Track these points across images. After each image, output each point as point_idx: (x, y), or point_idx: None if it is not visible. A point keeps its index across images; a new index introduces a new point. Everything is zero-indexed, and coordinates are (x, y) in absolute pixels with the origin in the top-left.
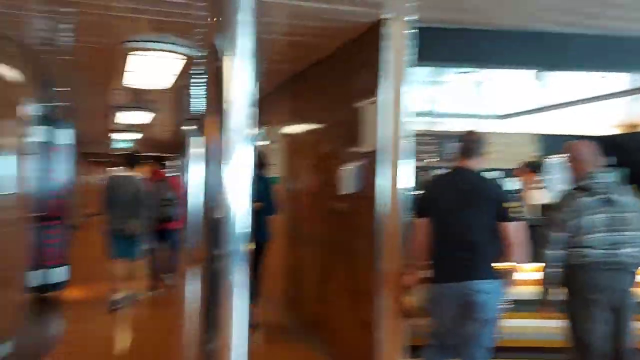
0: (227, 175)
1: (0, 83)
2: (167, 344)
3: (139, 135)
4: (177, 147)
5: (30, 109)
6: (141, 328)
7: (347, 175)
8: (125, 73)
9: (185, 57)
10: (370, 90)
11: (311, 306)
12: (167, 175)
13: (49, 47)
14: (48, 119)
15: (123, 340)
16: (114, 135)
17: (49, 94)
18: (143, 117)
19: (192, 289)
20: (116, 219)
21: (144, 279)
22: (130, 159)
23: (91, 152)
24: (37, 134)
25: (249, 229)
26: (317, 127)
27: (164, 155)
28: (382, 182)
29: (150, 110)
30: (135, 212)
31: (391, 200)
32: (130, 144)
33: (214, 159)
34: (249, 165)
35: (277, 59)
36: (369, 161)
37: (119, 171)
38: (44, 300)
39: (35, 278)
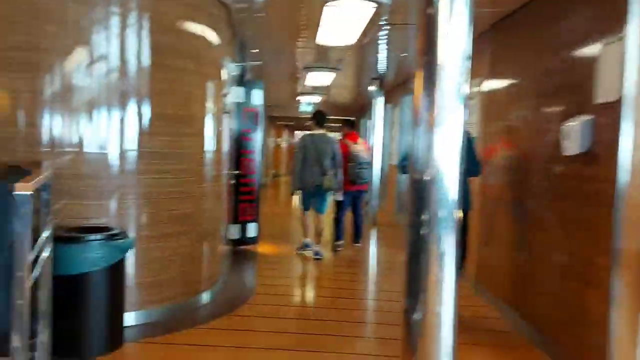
0: (437, 137)
1: (204, 43)
2: (354, 302)
3: (321, 98)
4: (359, 110)
5: (229, 69)
6: (327, 285)
7: (573, 132)
8: (316, 29)
9: (377, 4)
10: (607, 28)
11: (520, 289)
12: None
13: (244, 4)
14: (242, 80)
15: (311, 290)
16: (300, 98)
17: (243, 55)
18: (328, 77)
19: (375, 250)
20: (310, 175)
21: (330, 235)
22: (320, 117)
23: (278, 116)
24: (234, 95)
25: (459, 195)
26: (525, 79)
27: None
28: (625, 140)
29: (336, 69)
30: (328, 168)
31: (636, 164)
32: (313, 107)
33: (422, 119)
34: (461, 125)
35: (481, 2)
36: (608, 115)
37: (314, 129)
38: (240, 252)
39: (232, 232)
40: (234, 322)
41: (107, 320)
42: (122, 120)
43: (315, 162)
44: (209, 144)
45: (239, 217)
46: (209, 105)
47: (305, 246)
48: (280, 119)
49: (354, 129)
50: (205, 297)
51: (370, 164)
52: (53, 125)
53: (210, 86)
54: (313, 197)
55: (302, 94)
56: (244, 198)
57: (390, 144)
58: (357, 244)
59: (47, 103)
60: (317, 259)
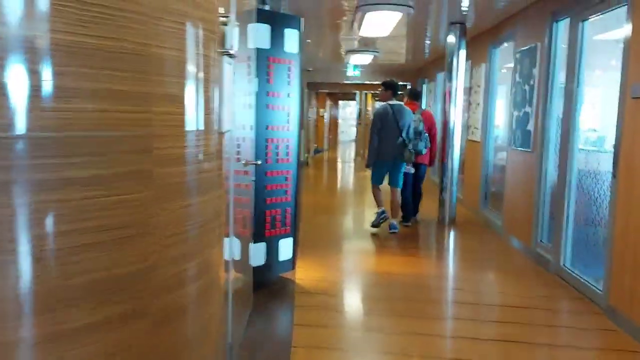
0: None
1: None
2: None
3: (372, 58)
4: (418, 73)
5: None
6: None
7: None
8: None
9: None
10: None
11: None
12: (420, 107)
13: None
14: (267, 13)
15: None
16: (347, 57)
17: None
18: (391, 19)
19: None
20: (391, 147)
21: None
22: (395, 86)
23: (320, 82)
24: (252, 35)
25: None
26: None
27: (406, 83)
28: None
29: (405, 5)
30: (410, 140)
31: None
32: (361, 71)
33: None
34: None
35: None
36: None
37: (391, 100)
38: (266, 288)
39: (254, 255)
40: None
41: None
42: None
43: (395, 134)
44: (190, 119)
45: (264, 232)
46: (188, 39)
47: (380, 215)
48: (321, 85)
49: (417, 98)
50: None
51: (426, 134)
52: None
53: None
54: (389, 170)
55: (350, 51)
56: (272, 201)
57: (468, 114)
58: (406, 224)
59: None
60: (393, 232)
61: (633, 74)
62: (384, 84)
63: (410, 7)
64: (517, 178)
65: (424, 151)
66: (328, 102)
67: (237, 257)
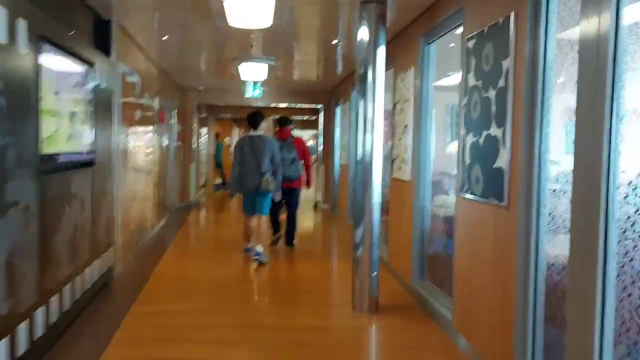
0: None
1: None
2: None
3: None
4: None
5: None
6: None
7: None
8: None
9: None
10: None
11: None
12: (291, 134)
13: None
14: None
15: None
16: (240, 67)
17: None
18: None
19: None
20: (250, 178)
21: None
22: (254, 118)
23: (218, 105)
24: None
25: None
26: None
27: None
28: None
29: None
30: (267, 170)
31: None
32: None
33: None
34: None
35: None
36: None
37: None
38: None
39: None
40: None
41: None
42: None
43: (253, 164)
44: None
45: None
46: None
47: (246, 250)
48: (221, 109)
49: (286, 124)
50: None
51: (297, 160)
52: None
53: None
54: (254, 200)
55: (237, 60)
56: None
57: (393, 142)
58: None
59: None
60: (257, 259)
61: None
62: (247, 118)
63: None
64: (477, 244)
65: (295, 177)
66: (237, 130)
67: None
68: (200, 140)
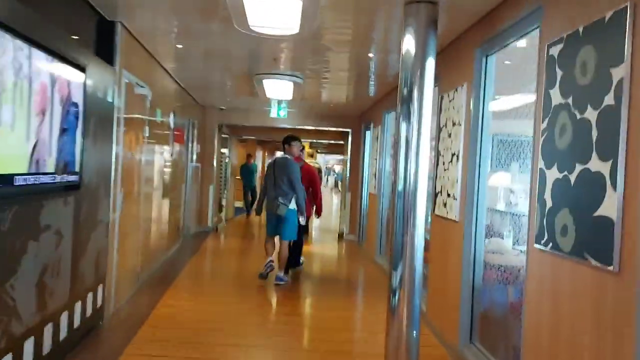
0: None
1: None
2: None
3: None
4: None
5: None
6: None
7: None
8: None
9: None
10: None
11: None
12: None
13: None
14: None
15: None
16: (261, 88)
17: None
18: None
19: None
20: (270, 199)
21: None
22: (284, 140)
23: (242, 125)
24: None
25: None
26: None
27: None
28: None
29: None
30: (283, 193)
31: None
32: (286, 113)
33: None
34: None
35: None
36: None
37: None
38: None
39: None
40: None
41: None
42: None
43: (273, 187)
44: None
45: None
46: None
47: (267, 266)
48: (244, 130)
49: (289, 143)
50: None
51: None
52: None
53: None
54: (276, 222)
55: (261, 75)
56: None
57: (436, 172)
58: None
59: None
60: (278, 284)
61: None
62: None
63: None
64: (562, 315)
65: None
66: (261, 152)
67: None
68: (224, 162)
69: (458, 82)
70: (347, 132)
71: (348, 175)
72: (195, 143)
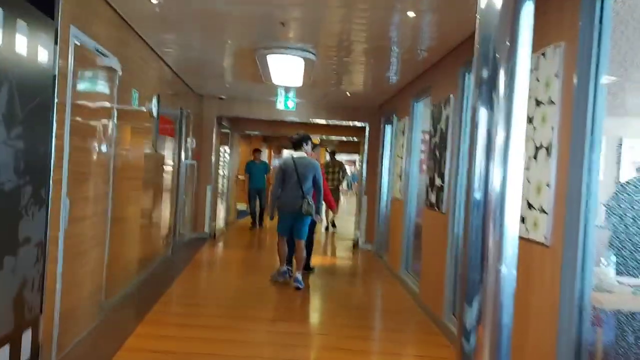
0: None
1: None
2: None
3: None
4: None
5: None
6: None
7: None
8: None
9: None
10: None
11: None
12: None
13: None
14: None
15: None
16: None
17: None
18: None
19: None
20: (290, 199)
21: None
22: (297, 140)
23: (245, 118)
24: None
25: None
26: None
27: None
28: None
29: None
30: (308, 192)
31: None
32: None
33: None
34: None
35: None
36: None
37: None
38: None
39: None
40: None
41: None
42: None
43: (295, 186)
44: None
45: None
46: None
47: (281, 274)
48: (248, 123)
49: (306, 144)
50: None
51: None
52: None
53: None
54: (292, 222)
55: (264, 49)
56: None
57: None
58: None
59: None
60: (297, 287)
61: None
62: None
63: None
64: None
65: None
66: (267, 150)
67: None
68: (223, 159)
69: (548, 41)
70: (363, 128)
71: (365, 176)
72: (190, 137)
